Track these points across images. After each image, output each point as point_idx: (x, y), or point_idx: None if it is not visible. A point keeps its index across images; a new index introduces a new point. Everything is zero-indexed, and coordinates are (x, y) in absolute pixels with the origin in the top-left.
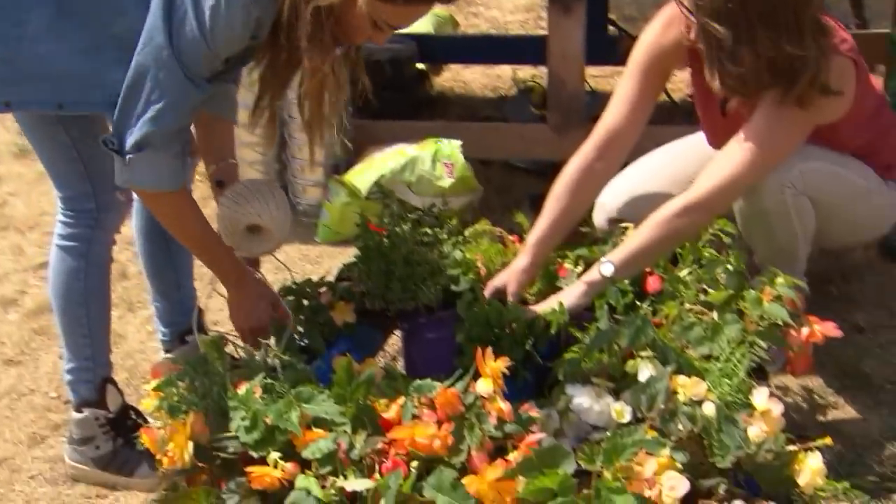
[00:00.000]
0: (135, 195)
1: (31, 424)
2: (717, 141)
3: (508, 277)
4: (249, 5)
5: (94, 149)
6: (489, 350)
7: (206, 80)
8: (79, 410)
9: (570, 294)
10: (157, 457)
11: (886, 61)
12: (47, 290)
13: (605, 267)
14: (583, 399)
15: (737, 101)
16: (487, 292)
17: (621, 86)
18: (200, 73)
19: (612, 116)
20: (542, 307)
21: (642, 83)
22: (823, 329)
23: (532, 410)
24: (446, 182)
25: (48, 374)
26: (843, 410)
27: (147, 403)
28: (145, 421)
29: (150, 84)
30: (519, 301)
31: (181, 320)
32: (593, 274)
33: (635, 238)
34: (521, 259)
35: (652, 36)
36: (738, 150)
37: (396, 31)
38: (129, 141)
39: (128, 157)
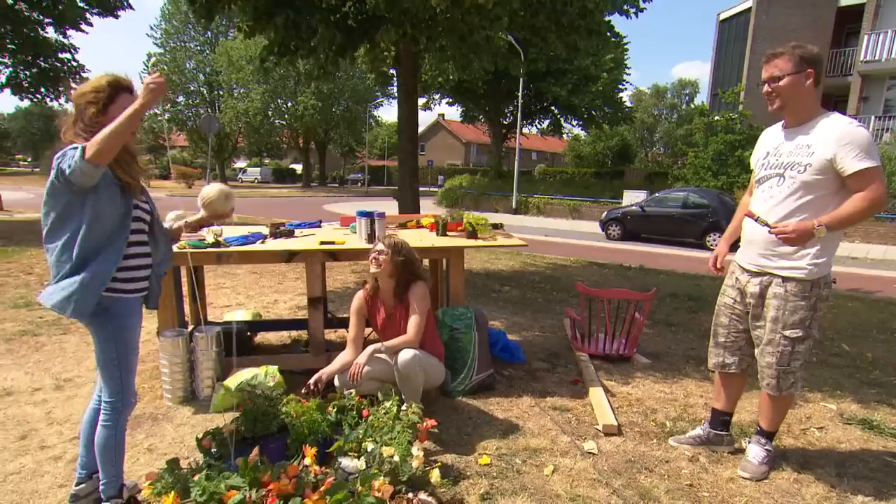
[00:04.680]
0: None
1: None
2: (385, 336)
3: (322, 371)
4: None
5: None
6: (308, 445)
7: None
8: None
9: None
10: None
11: None
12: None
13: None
14: (346, 462)
15: (388, 310)
16: (313, 380)
17: (350, 324)
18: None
19: (352, 332)
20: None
21: (358, 318)
22: (429, 424)
23: (328, 469)
24: (271, 383)
25: None
26: (448, 456)
27: (146, 492)
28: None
29: None
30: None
31: (95, 468)
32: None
33: None
34: (345, 353)
35: (356, 301)
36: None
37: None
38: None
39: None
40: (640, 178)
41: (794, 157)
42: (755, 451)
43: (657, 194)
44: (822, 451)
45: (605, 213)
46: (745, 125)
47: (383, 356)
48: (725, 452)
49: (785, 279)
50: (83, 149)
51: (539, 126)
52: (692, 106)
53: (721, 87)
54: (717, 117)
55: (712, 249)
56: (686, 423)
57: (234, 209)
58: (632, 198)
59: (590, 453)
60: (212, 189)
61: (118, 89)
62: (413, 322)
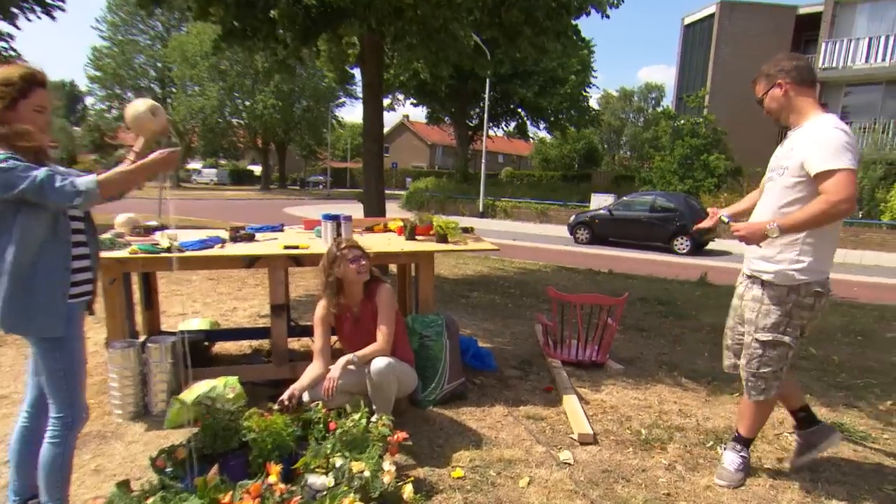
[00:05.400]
0: None
1: None
2: (352, 344)
3: (294, 387)
4: None
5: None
6: (272, 462)
7: None
8: None
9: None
10: None
11: None
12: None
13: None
14: (313, 479)
15: (355, 317)
16: (286, 395)
17: (316, 335)
18: None
19: (319, 343)
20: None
21: (324, 328)
22: (400, 436)
23: (294, 487)
24: (231, 395)
25: None
26: (420, 470)
27: None
28: None
29: None
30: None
31: (28, 493)
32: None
33: None
34: (314, 366)
35: (320, 309)
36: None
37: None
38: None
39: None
40: (608, 182)
41: (781, 161)
42: (731, 458)
43: (625, 198)
44: None
45: (574, 216)
46: (709, 129)
47: (355, 367)
48: (837, 441)
49: (764, 282)
50: (97, 181)
51: (505, 128)
52: (658, 110)
53: (686, 91)
54: (681, 122)
55: (680, 253)
56: (661, 430)
57: (167, 120)
58: (599, 201)
59: (566, 463)
60: (136, 108)
61: (32, 84)
62: (383, 329)
